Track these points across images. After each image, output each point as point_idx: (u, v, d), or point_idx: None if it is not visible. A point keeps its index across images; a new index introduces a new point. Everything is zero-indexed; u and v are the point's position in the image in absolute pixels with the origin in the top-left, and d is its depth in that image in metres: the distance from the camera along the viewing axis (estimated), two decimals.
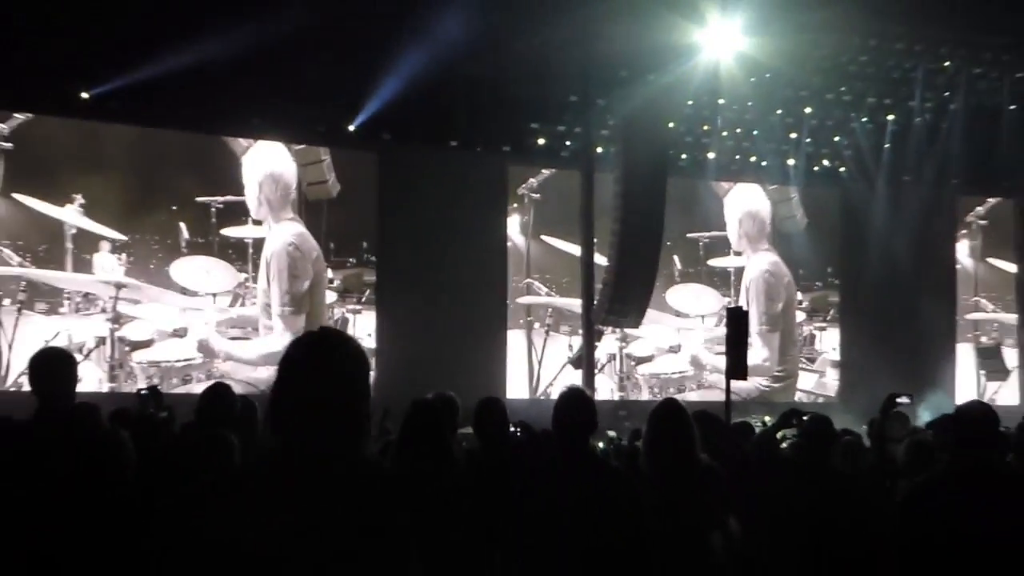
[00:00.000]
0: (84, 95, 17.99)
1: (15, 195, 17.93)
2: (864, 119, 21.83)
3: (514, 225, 21.61)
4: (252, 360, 19.16)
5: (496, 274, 21.04)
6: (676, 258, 22.01)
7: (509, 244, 21.47)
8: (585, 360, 19.19)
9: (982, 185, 22.79)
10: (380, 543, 3.29)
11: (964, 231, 23.78)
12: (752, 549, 5.96)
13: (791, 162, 22.21)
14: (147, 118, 18.52)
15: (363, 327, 20.10)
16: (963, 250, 23.69)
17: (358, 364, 3.19)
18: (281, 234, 19.76)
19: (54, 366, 5.00)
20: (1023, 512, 4.79)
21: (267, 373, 18.06)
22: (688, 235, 22.21)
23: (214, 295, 19.27)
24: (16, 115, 18.00)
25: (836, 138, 22.21)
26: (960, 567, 4.67)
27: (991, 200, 23.62)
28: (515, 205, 21.61)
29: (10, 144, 17.83)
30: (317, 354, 3.14)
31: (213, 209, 19.22)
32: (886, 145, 22.14)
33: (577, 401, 5.69)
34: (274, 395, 3.08)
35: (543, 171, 21.57)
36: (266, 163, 19.74)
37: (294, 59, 17.72)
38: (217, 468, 5.16)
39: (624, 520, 5.29)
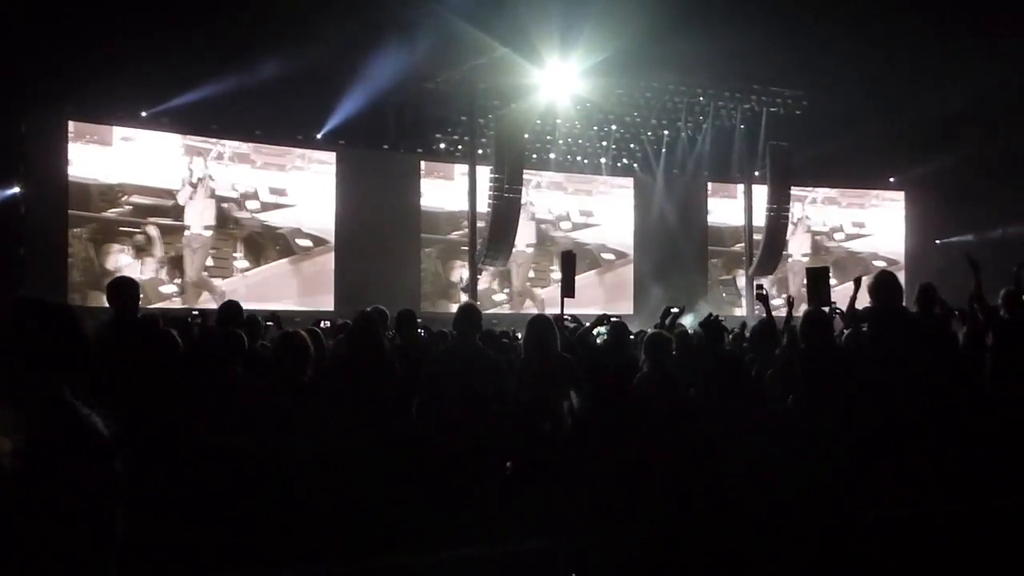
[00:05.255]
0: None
1: None
2: (649, 133, 22.17)
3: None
4: None
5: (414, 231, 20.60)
6: None
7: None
8: (470, 286, 19.36)
9: (723, 175, 23.10)
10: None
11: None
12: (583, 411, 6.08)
13: (603, 160, 22.35)
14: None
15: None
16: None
17: None
18: None
19: (128, 288, 5.01)
20: None
21: None
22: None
23: None
24: None
25: (632, 145, 22.49)
26: None
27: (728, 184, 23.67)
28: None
29: None
30: None
31: None
32: (663, 150, 22.48)
33: (468, 312, 5.91)
34: None
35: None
36: None
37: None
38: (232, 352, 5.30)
39: (491, 378, 5.59)
